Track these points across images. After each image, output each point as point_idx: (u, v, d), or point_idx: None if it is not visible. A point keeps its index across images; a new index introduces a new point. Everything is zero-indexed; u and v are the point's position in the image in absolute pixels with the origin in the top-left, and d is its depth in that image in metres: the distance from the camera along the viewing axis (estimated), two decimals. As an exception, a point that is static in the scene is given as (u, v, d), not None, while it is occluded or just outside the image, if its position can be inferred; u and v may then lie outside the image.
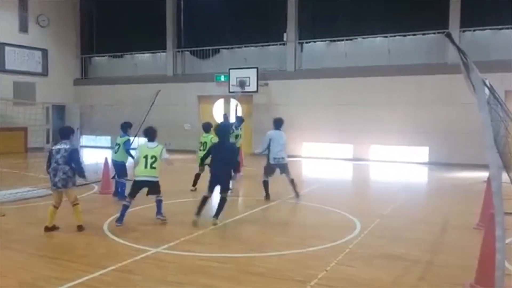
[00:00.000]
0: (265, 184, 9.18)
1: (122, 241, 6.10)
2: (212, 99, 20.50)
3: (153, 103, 11.96)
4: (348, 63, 18.01)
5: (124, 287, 4.50)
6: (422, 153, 16.54)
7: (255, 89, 18.49)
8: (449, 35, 2.91)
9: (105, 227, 6.88)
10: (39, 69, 21.81)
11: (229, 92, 19.01)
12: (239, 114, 16.62)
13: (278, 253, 5.63)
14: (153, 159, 6.82)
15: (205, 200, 7.11)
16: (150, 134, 7.15)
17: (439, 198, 10.07)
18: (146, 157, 6.84)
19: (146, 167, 6.81)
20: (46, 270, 4.98)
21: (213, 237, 6.47)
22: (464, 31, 16.39)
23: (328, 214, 7.91)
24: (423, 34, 17.03)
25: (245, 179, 12.69)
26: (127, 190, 7.55)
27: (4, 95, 19.39)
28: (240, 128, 12.72)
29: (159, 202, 7.11)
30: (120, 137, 9.47)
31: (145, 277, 4.78)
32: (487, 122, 3.00)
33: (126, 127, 9.60)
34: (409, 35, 17.39)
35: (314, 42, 19.21)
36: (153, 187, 6.97)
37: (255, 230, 7.05)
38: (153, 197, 7.23)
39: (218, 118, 20.37)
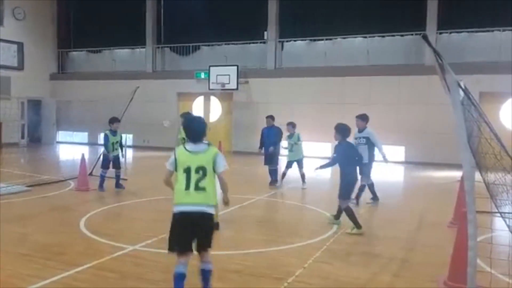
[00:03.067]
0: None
1: (99, 239, 6.03)
2: (191, 96, 20.40)
3: (131, 100, 11.83)
4: (328, 63, 18.16)
5: (100, 285, 4.45)
6: (399, 152, 16.79)
7: (235, 86, 18.47)
8: (425, 37, 2.98)
9: (82, 224, 6.78)
10: (14, 63, 21.29)
11: (209, 89, 18.95)
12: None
13: (256, 251, 5.66)
14: (200, 173, 3.82)
15: None
16: (194, 130, 3.99)
17: (414, 197, 10.27)
18: (187, 170, 3.82)
19: (188, 187, 3.79)
20: (20, 268, 4.90)
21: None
22: (441, 33, 16.72)
23: (305, 212, 7.99)
24: (401, 35, 17.31)
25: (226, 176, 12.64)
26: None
27: (-22, 89, 18.96)
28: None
29: (207, 274, 3.95)
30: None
31: (122, 275, 4.74)
32: (460, 122, 3.08)
33: (109, 122, 9.80)
34: (387, 35, 17.63)
35: (295, 41, 19.30)
36: (204, 228, 3.83)
37: (233, 227, 7.06)
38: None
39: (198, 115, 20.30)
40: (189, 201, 3.78)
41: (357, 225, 6.46)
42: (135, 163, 16.28)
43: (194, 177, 3.81)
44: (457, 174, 11.38)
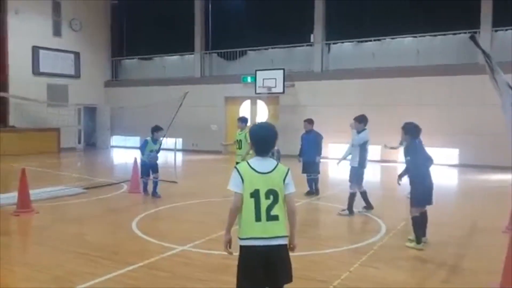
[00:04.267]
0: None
1: (150, 239, 6.27)
2: (238, 100, 20.66)
3: (181, 105, 12.16)
4: (376, 64, 17.85)
5: (152, 283, 4.64)
6: (452, 155, 16.22)
7: (281, 90, 18.54)
8: (473, 38, 2.92)
9: (134, 225, 7.07)
10: (71, 71, 22.47)
11: (256, 93, 19.13)
12: None
13: (301, 254, 5.65)
14: (271, 198, 3.19)
15: None
16: (264, 140, 3.36)
17: (468, 201, 9.90)
18: (256, 194, 3.18)
19: (259, 218, 3.16)
20: (79, 266, 5.19)
21: (234, 237, 6.57)
22: (496, 30, 16.02)
23: (353, 216, 7.89)
24: (453, 34, 16.73)
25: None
26: None
27: (39, 97, 20.14)
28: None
29: None
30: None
31: (172, 273, 4.92)
32: (510, 124, 2.98)
33: (152, 130, 9.84)
34: (438, 35, 17.10)
35: (341, 43, 19.13)
36: (283, 262, 3.23)
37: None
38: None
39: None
40: (262, 235, 3.12)
41: (418, 239, 5.87)
42: (184, 166, 16.70)
43: (264, 203, 3.14)
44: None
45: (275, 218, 3.15)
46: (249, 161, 3.29)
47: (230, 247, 3.31)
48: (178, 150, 18.48)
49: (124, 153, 20.39)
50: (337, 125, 17.97)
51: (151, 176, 9.61)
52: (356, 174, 7.95)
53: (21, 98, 19.16)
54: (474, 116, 15.67)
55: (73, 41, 22.39)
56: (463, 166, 15.64)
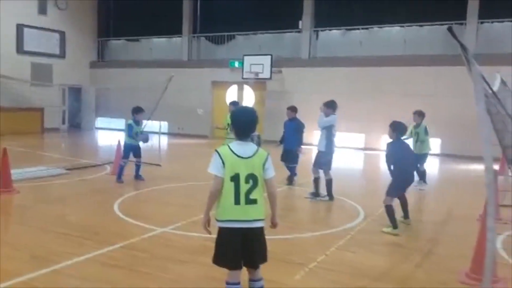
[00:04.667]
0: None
1: (131, 220, 6.32)
2: (225, 85, 20.61)
3: (166, 88, 12.11)
4: (363, 52, 17.94)
5: (131, 263, 4.70)
6: (435, 144, 16.46)
7: (268, 76, 18.54)
8: (450, 29, 2.97)
9: (116, 206, 7.10)
10: (56, 51, 22.13)
11: (243, 78, 19.11)
12: None
13: (280, 237, 5.77)
14: (251, 182, 3.28)
15: None
16: (245, 124, 3.37)
17: (446, 190, 10.12)
18: (235, 178, 3.26)
19: (238, 201, 3.25)
20: (59, 246, 5.22)
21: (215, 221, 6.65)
22: (482, 22, 16.19)
23: (333, 202, 8.02)
24: (440, 24, 16.84)
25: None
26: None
27: (22, 76, 19.84)
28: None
29: None
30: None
31: (151, 254, 4.98)
32: (483, 115, 3.08)
33: (132, 112, 9.52)
34: (425, 25, 17.23)
35: (330, 30, 19.16)
36: (258, 244, 3.39)
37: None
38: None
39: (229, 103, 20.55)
40: (240, 217, 3.24)
41: (394, 224, 6.14)
42: (170, 149, 16.69)
43: (243, 187, 3.23)
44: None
45: (254, 201, 3.26)
46: (230, 145, 3.32)
47: (209, 226, 3.41)
48: (164, 133, 18.47)
49: (108, 135, 20.27)
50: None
51: (135, 160, 9.44)
52: (324, 159, 7.94)
53: (4, 77, 18.85)
54: (457, 106, 15.89)
55: (59, 20, 22.01)
56: (445, 155, 15.92)
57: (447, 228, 6.75)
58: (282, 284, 4.26)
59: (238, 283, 3.35)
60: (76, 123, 23.44)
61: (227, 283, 3.36)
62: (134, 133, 9.33)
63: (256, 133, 5.46)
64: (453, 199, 8.83)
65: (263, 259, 3.41)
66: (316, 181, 8.15)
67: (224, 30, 20.64)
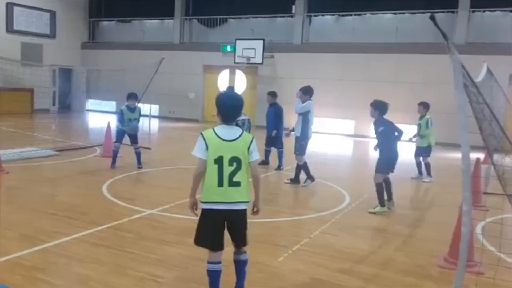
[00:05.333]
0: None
1: (119, 202, 6.39)
2: (217, 69, 20.55)
3: (157, 71, 12.08)
4: (356, 39, 17.93)
5: (118, 243, 4.78)
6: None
7: (260, 61, 18.52)
8: (432, 18, 3.03)
9: (104, 188, 7.16)
10: (47, 30, 21.85)
11: (235, 62, 19.05)
12: None
13: (266, 220, 5.88)
14: (235, 164, 3.32)
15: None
16: (231, 109, 3.43)
17: (435, 178, 10.25)
18: (219, 161, 3.30)
19: (221, 183, 3.30)
20: (47, 225, 5.29)
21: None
22: (474, 11, 16.25)
23: (320, 187, 8.15)
24: (432, 12, 16.80)
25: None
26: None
27: (12, 56, 19.56)
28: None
29: (243, 265, 3.63)
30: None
31: (139, 235, 5.07)
32: (461, 103, 3.17)
33: (126, 98, 9.16)
34: (418, 13, 17.24)
35: (323, 15, 19.10)
36: (239, 226, 3.46)
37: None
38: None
39: (223, 89, 20.52)
40: (223, 199, 3.29)
41: (382, 203, 6.42)
42: (160, 133, 16.71)
43: (227, 169, 3.27)
44: (479, 155, 11.28)
45: (237, 184, 3.30)
46: (215, 128, 3.36)
47: (196, 209, 3.48)
48: (154, 116, 18.45)
49: (99, 117, 20.19)
50: (314, 99, 18.17)
51: (133, 148, 9.09)
52: (298, 144, 8.02)
53: (-7, 56, 18.62)
54: (446, 95, 15.93)
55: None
56: (436, 144, 16.05)
57: (430, 214, 6.91)
58: (266, 266, 4.38)
59: (219, 262, 3.45)
60: (66, 105, 23.28)
61: (209, 262, 3.45)
62: (127, 119, 8.94)
63: (246, 117, 5.52)
64: (437, 186, 8.99)
65: (243, 241, 3.50)
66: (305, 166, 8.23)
67: (216, 13, 20.50)
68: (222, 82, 20.45)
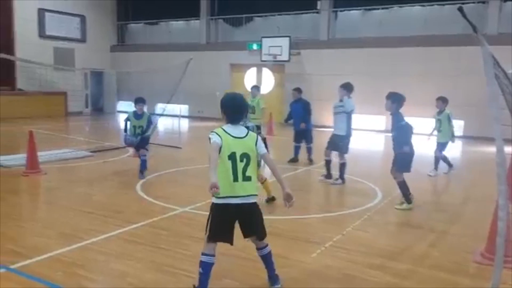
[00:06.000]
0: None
1: (153, 200, 6.53)
2: (244, 67, 20.65)
3: (185, 71, 12.24)
4: (383, 33, 17.70)
5: (152, 240, 4.90)
6: (457, 126, 16.25)
7: (287, 58, 18.50)
8: (460, 9, 2.99)
9: (138, 187, 7.33)
10: (77, 35, 22.45)
11: (261, 61, 19.09)
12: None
13: (298, 217, 5.92)
14: (245, 160, 3.48)
15: None
16: (237, 109, 3.61)
17: (467, 172, 10.07)
18: (233, 157, 3.45)
19: (236, 178, 3.44)
20: (84, 223, 5.47)
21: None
22: (505, 1, 15.77)
23: (351, 183, 8.09)
24: (462, 3, 16.45)
25: (274, 146, 12.99)
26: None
27: (45, 61, 20.21)
28: None
29: (269, 257, 3.81)
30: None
31: (172, 232, 5.18)
32: (494, 95, 3.12)
33: (134, 102, 8.32)
34: (447, 4, 16.85)
35: (349, 10, 18.91)
36: (256, 219, 3.64)
37: (278, 195, 7.34)
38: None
39: (250, 87, 20.58)
40: (239, 193, 3.44)
41: (408, 200, 6.32)
42: (190, 132, 16.92)
43: (240, 165, 3.45)
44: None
45: (249, 178, 3.50)
46: (223, 127, 3.54)
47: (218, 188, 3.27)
48: (184, 116, 18.68)
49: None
50: (342, 94, 18.00)
51: (138, 153, 8.25)
52: (343, 143, 7.94)
53: (28, 62, 19.25)
54: (479, 87, 15.53)
55: (79, 4, 22.26)
56: (467, 138, 15.71)
57: (465, 209, 6.77)
58: (299, 262, 4.40)
59: (214, 255, 3.59)
60: (98, 107, 23.85)
61: (204, 254, 3.57)
62: (132, 127, 8.09)
63: (252, 124, 5.48)
64: (472, 180, 8.81)
65: (263, 233, 3.68)
66: (328, 163, 8.18)
67: (242, 12, 20.57)
68: (249, 80, 20.54)
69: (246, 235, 3.64)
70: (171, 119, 18.08)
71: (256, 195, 3.56)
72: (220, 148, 3.42)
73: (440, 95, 9.51)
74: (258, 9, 20.21)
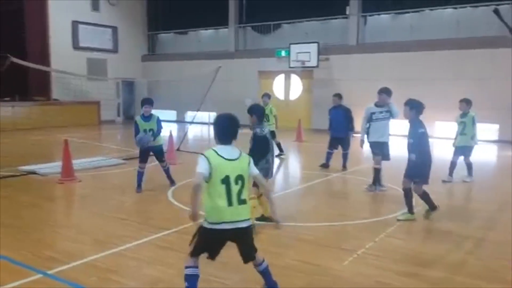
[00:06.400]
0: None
1: (184, 207, 6.58)
2: (272, 74, 20.67)
3: (214, 79, 12.37)
4: (414, 37, 17.41)
5: (184, 246, 4.90)
6: (492, 130, 15.80)
7: (315, 64, 18.43)
8: (496, 11, 2.92)
9: (169, 194, 7.42)
10: (110, 46, 23.04)
11: (289, 67, 19.08)
12: None
13: (329, 224, 5.86)
14: (240, 182, 3.38)
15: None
16: (230, 129, 3.55)
17: (503, 177, 9.72)
18: (226, 180, 3.32)
19: (231, 203, 3.31)
20: (118, 230, 5.57)
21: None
22: (543, 0, 15.26)
23: (384, 191, 7.94)
24: (497, 4, 16.00)
25: (304, 152, 12.95)
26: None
27: (79, 71, 20.79)
28: None
29: (268, 271, 3.70)
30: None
31: (203, 239, 5.20)
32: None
33: (141, 105, 7.83)
34: (480, 5, 16.43)
35: (378, 15, 18.70)
36: (249, 241, 3.54)
37: (309, 201, 7.31)
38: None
39: (278, 94, 20.61)
40: (234, 218, 3.31)
41: (433, 206, 6.00)
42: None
43: (234, 188, 3.31)
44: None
45: (244, 201, 3.39)
46: (215, 149, 3.42)
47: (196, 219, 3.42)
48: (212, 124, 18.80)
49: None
50: (372, 99, 17.58)
51: (161, 166, 7.98)
52: (387, 150, 7.78)
53: (63, 72, 19.86)
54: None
55: (111, 16, 22.86)
56: (503, 142, 15.23)
57: (502, 215, 6.53)
58: (331, 270, 4.35)
59: (197, 267, 3.53)
60: (130, 115, 24.32)
61: (187, 267, 3.51)
62: (142, 131, 7.59)
63: (267, 129, 5.38)
64: (506, 187, 8.49)
65: (255, 253, 3.57)
66: (379, 172, 7.82)
67: (270, 19, 20.64)
68: (278, 87, 20.56)
69: (246, 260, 3.57)
70: (200, 126, 18.25)
71: (249, 218, 3.48)
72: (211, 173, 3.29)
73: (464, 97, 9.12)
74: (286, 15, 20.23)
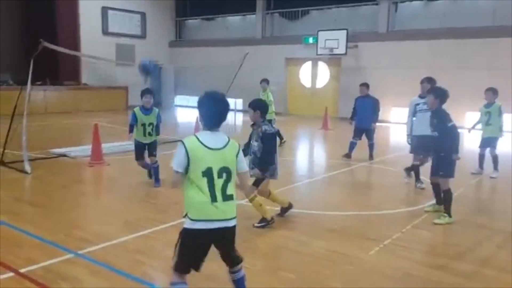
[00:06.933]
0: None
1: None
2: (299, 61, 20.49)
3: (241, 66, 12.35)
4: (446, 24, 16.91)
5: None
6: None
7: (344, 51, 18.16)
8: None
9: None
10: (138, 31, 23.22)
11: (317, 54, 18.86)
12: None
13: (356, 213, 5.82)
14: (225, 175, 2.94)
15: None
16: (218, 113, 3.01)
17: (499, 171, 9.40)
18: (208, 173, 2.88)
19: (214, 198, 2.88)
20: (146, 213, 5.67)
21: (294, 195, 6.76)
22: None
23: (412, 181, 7.82)
24: (535, -9, 15.41)
25: (330, 141, 12.86)
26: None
27: (108, 56, 21.07)
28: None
29: (242, 282, 3.28)
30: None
31: (229, 225, 5.24)
32: None
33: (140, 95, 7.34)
34: (518, -7, 15.82)
35: (410, 1, 18.23)
36: (232, 243, 3.15)
37: (337, 190, 7.28)
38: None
39: (306, 81, 20.45)
40: (218, 217, 2.88)
41: (449, 212, 5.49)
42: (244, 127, 17.03)
43: (218, 182, 2.87)
44: None
45: (231, 197, 2.94)
46: (198, 135, 2.95)
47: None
48: (239, 110, 18.86)
49: (187, 112, 21.08)
50: (401, 88, 17.35)
51: (143, 162, 7.27)
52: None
53: (92, 57, 20.17)
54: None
55: (139, 2, 22.98)
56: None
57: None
58: (357, 259, 4.33)
59: (185, 282, 3.05)
60: (157, 101, 24.53)
61: (174, 284, 3.03)
62: (140, 125, 6.96)
63: (273, 130, 5.10)
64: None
65: (239, 256, 3.20)
66: (418, 167, 7.47)
67: (298, 5, 20.39)
68: (304, 74, 20.39)
69: (233, 264, 3.18)
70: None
71: (236, 217, 3.00)
72: (189, 165, 2.83)
73: (490, 86, 8.73)
74: (314, 2, 19.92)
